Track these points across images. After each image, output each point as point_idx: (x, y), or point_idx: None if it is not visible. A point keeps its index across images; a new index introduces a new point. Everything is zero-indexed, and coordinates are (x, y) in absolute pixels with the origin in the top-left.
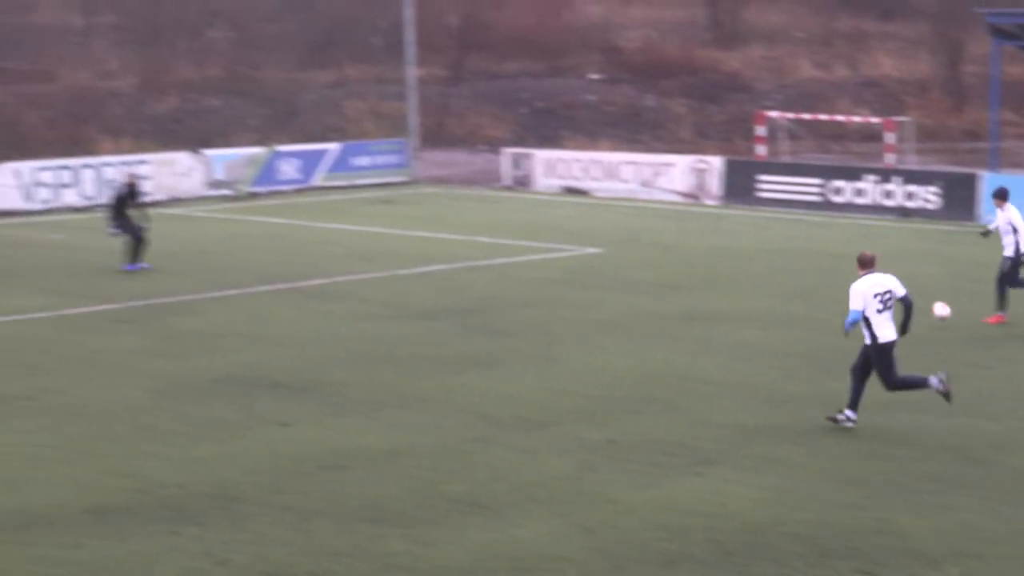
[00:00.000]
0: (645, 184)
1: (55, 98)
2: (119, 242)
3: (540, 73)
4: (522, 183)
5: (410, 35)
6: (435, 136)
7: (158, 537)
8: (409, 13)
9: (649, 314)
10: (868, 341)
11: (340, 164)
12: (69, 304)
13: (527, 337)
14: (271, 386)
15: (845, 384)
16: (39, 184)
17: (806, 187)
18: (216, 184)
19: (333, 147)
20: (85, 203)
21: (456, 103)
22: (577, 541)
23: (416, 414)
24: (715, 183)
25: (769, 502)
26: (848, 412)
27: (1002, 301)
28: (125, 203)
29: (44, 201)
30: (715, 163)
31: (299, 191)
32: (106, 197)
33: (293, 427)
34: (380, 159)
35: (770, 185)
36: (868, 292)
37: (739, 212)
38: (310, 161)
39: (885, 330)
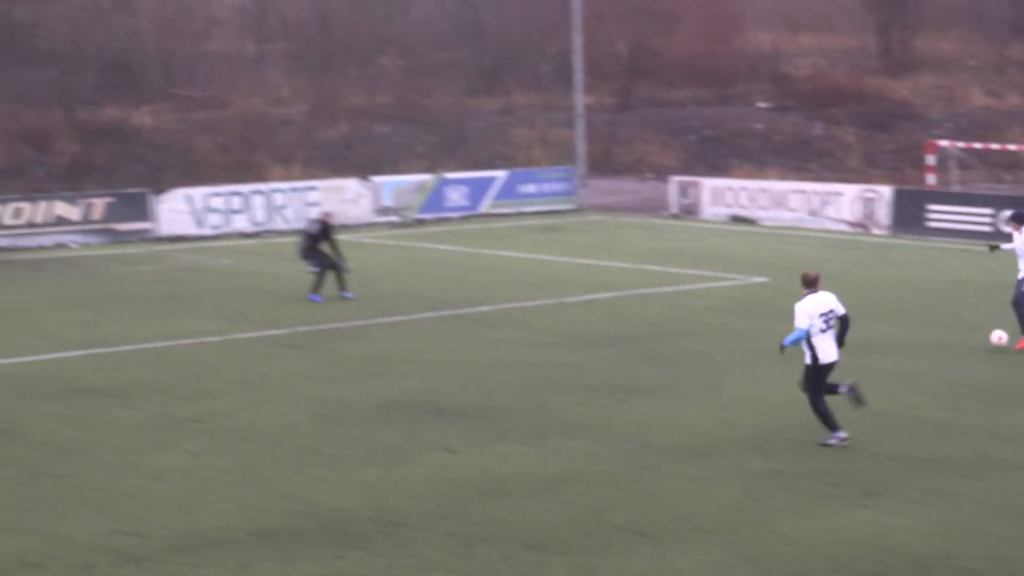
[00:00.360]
0: (813, 213)
1: (227, 124)
2: (295, 269)
3: (708, 101)
4: (689, 211)
5: (579, 62)
6: (602, 164)
7: (323, 561)
8: (578, 40)
9: None
10: (808, 361)
11: (507, 191)
12: (238, 329)
13: (692, 366)
14: (436, 412)
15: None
16: (210, 210)
17: (977, 217)
18: (384, 210)
19: (500, 174)
20: (254, 229)
21: (624, 130)
22: (740, 571)
23: (580, 441)
24: (884, 212)
25: (936, 535)
26: (836, 434)
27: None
28: (318, 240)
29: (214, 227)
30: (884, 192)
31: (466, 218)
32: (300, 236)
33: (457, 453)
34: (547, 186)
35: (940, 215)
36: (814, 312)
37: (908, 242)
38: (477, 188)
39: (826, 350)
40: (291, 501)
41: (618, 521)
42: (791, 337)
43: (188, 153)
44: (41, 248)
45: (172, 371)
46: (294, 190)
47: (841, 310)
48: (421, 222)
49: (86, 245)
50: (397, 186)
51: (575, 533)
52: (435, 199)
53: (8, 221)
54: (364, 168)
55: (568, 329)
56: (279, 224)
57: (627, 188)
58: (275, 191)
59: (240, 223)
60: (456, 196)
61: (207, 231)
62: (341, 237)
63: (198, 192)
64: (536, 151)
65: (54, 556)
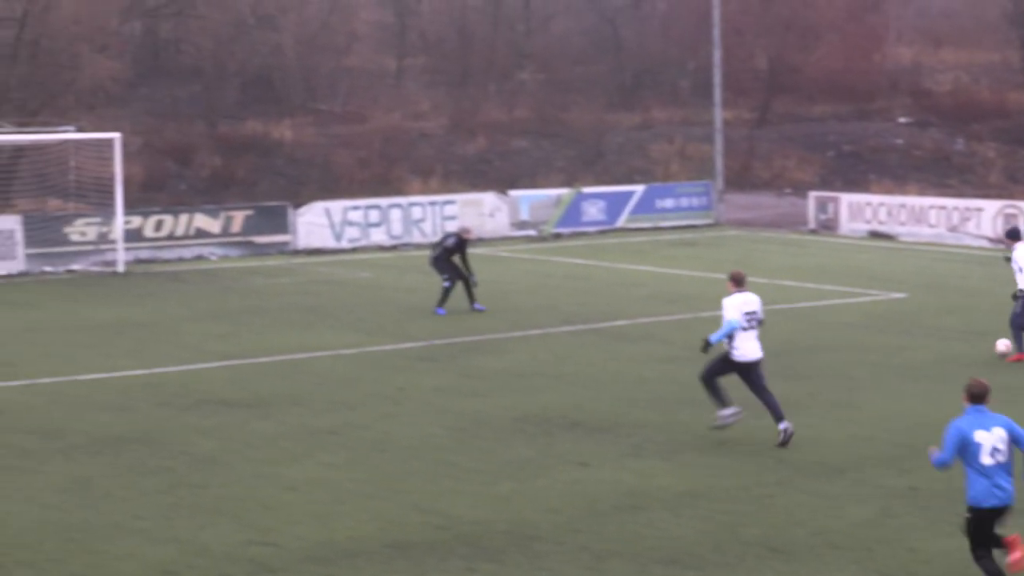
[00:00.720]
0: (952, 229)
1: (367, 139)
2: (432, 282)
3: (847, 116)
4: (827, 227)
5: (718, 77)
6: (740, 179)
7: (456, 573)
8: (717, 55)
9: (954, 361)
10: (728, 354)
11: (644, 206)
12: (374, 341)
13: (828, 381)
14: (571, 426)
15: None
16: (348, 223)
17: None
18: (521, 224)
19: (638, 189)
20: (392, 242)
21: (762, 145)
22: None
23: (714, 456)
24: None
25: None
26: (783, 424)
27: (1018, 341)
28: (452, 253)
29: (352, 240)
30: None
31: (603, 232)
32: (437, 249)
33: (591, 467)
34: (684, 201)
35: None
36: (740, 308)
37: None
38: (615, 203)
39: (743, 348)
40: (426, 513)
41: (752, 537)
42: (720, 332)
43: (328, 167)
44: (181, 260)
45: (309, 383)
46: (432, 204)
47: (762, 315)
48: (558, 236)
49: (225, 257)
50: (535, 200)
51: (709, 548)
52: (572, 213)
53: (150, 233)
54: (502, 182)
55: None
56: (417, 238)
57: (765, 203)
58: (413, 205)
59: (378, 236)
60: (593, 210)
61: (345, 244)
62: (478, 251)
63: (337, 205)
64: (674, 166)
65: (191, 565)
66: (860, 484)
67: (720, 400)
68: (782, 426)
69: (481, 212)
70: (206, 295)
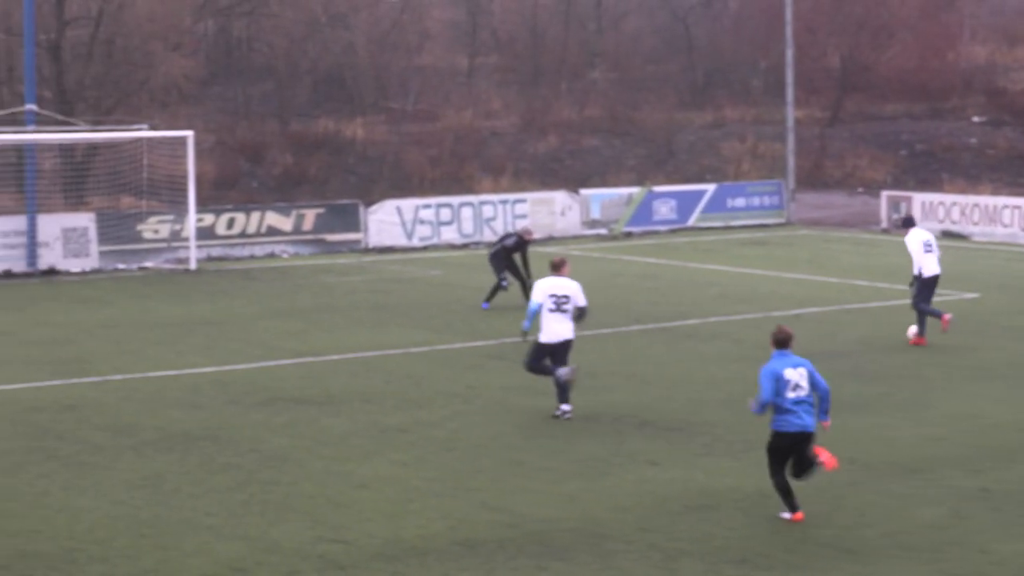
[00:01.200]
0: None
1: (438, 137)
2: (493, 280)
3: (921, 115)
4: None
5: (790, 76)
6: (812, 177)
7: (525, 572)
8: (790, 54)
9: None
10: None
11: (716, 205)
12: (444, 339)
13: (900, 382)
14: (640, 424)
15: None
16: (420, 221)
17: None
18: (592, 223)
19: (709, 188)
20: (463, 240)
21: (834, 144)
22: None
23: None
24: None
25: None
26: (563, 407)
27: (937, 314)
28: (512, 252)
29: (423, 238)
30: None
31: (674, 231)
32: (495, 246)
33: (661, 466)
34: (756, 200)
35: None
36: (547, 290)
37: None
38: (686, 201)
39: (550, 329)
40: (495, 511)
41: (823, 537)
42: (529, 311)
43: (399, 165)
44: (253, 258)
45: (379, 381)
46: (503, 202)
47: (581, 301)
48: (629, 235)
49: (297, 255)
50: (605, 199)
51: (780, 549)
52: (643, 212)
53: (222, 231)
54: (573, 181)
55: None
56: (488, 236)
57: (836, 202)
58: (484, 203)
59: (449, 235)
60: (664, 209)
61: (416, 242)
62: (548, 249)
63: (408, 204)
64: (745, 164)
65: (261, 562)
66: (932, 485)
67: (548, 373)
68: (563, 408)
69: (552, 211)
70: (277, 293)
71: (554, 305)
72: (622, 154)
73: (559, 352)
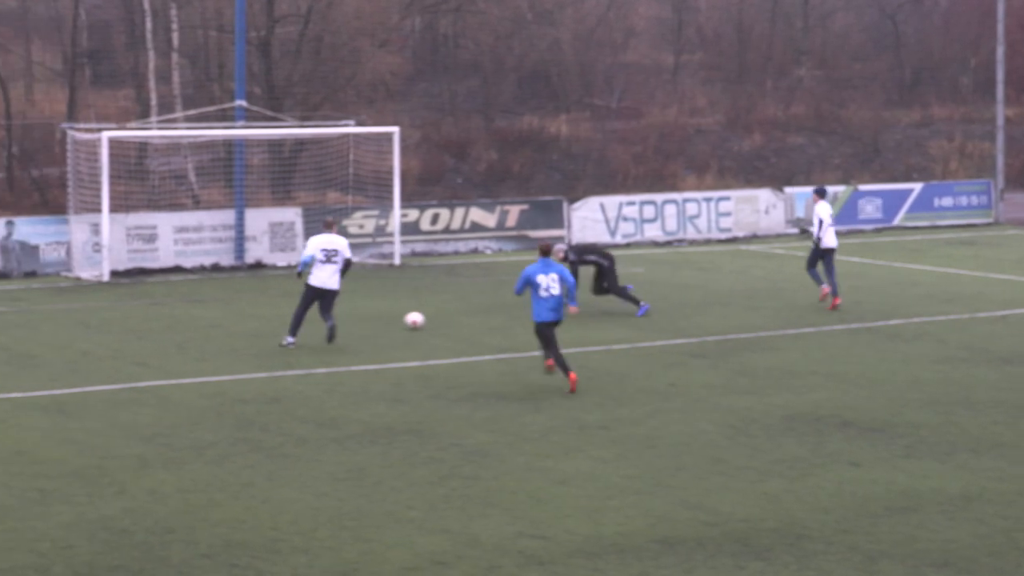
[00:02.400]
0: None
1: (643, 134)
2: (706, 278)
3: None
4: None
5: (1001, 74)
6: (1022, 177)
7: (724, 571)
8: (1001, 51)
9: None
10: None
11: (922, 204)
12: (646, 337)
13: None
14: (842, 425)
15: None
16: (623, 218)
17: None
18: (796, 222)
19: (916, 187)
20: (666, 238)
21: None
22: None
23: (991, 459)
24: None
25: None
26: (288, 338)
27: (818, 281)
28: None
29: (626, 235)
30: None
31: (879, 230)
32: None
33: (863, 467)
34: (963, 200)
35: None
36: (319, 245)
37: None
38: (892, 200)
39: (317, 275)
40: (694, 509)
41: None
42: (300, 263)
43: (603, 162)
44: (456, 254)
45: (581, 378)
46: (707, 200)
47: (347, 254)
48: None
49: (500, 251)
50: (810, 197)
51: (983, 553)
52: (848, 211)
53: (426, 227)
54: (777, 179)
55: (981, 345)
56: (691, 234)
57: None
58: (688, 201)
59: (652, 232)
60: (870, 208)
61: (619, 239)
62: (752, 247)
63: (611, 200)
64: (953, 163)
65: (461, 556)
66: None
67: (294, 329)
68: (329, 324)
69: (756, 209)
70: (481, 288)
71: (324, 257)
72: (827, 152)
73: (326, 298)
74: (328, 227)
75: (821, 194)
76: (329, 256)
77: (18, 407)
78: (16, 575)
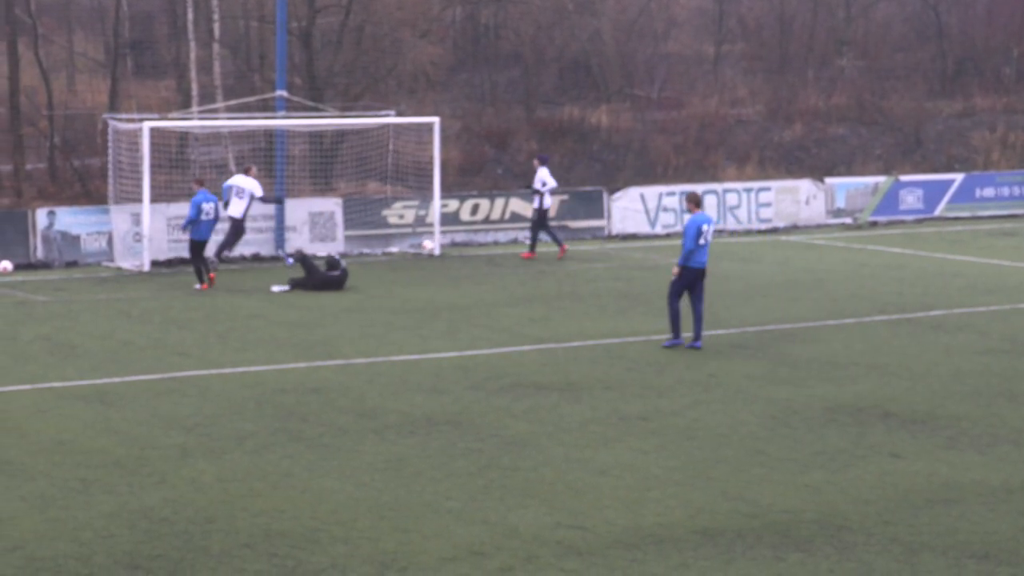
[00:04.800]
0: None
1: (683, 125)
2: (747, 270)
3: None
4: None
5: None
6: None
7: (764, 562)
8: None
9: None
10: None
11: (963, 195)
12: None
13: None
14: (883, 416)
15: None
16: (664, 209)
17: None
18: (837, 212)
19: (957, 177)
20: None
21: None
22: None
23: None
24: None
25: None
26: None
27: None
28: None
29: (666, 226)
30: None
31: (920, 221)
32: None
33: (904, 459)
34: (1005, 190)
35: None
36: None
37: None
38: (933, 191)
39: (235, 208)
40: (735, 501)
41: None
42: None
43: (644, 153)
44: (496, 244)
45: (621, 368)
46: (747, 190)
47: (259, 193)
48: (874, 224)
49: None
50: (851, 188)
51: None
52: (889, 201)
53: (466, 217)
54: (818, 169)
55: (1023, 336)
56: (731, 224)
57: None
58: (728, 191)
59: None
60: (911, 199)
61: (659, 230)
62: (792, 238)
63: (652, 191)
64: (995, 154)
65: (500, 546)
66: None
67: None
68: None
69: (796, 199)
70: (520, 279)
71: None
72: (869, 143)
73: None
74: (248, 171)
75: (543, 161)
76: (238, 193)
77: (59, 397)
78: (58, 564)
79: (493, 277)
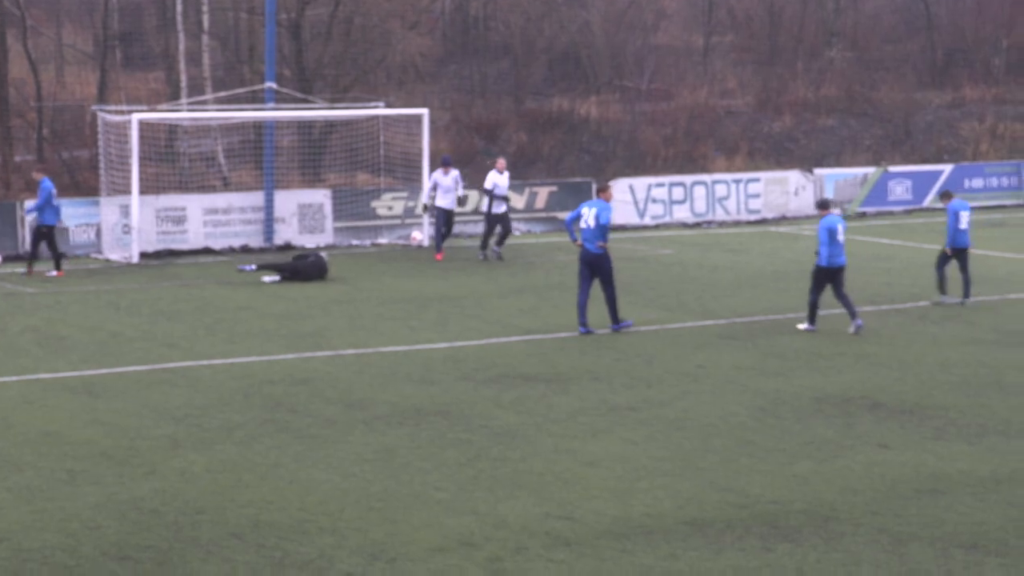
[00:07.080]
0: None
1: (672, 116)
2: (735, 260)
3: None
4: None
5: None
6: None
7: (752, 552)
8: None
9: None
10: None
11: (952, 185)
12: (676, 318)
13: None
14: (872, 407)
15: None
16: (652, 200)
17: None
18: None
19: (946, 168)
20: (695, 219)
21: None
22: None
23: (1021, 442)
24: None
25: None
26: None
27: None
28: None
29: (655, 216)
30: None
31: (909, 212)
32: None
33: (892, 449)
34: (994, 181)
35: None
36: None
37: None
38: (922, 182)
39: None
40: (723, 491)
41: None
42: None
43: (633, 144)
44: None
45: (609, 359)
46: (736, 181)
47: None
48: (862, 215)
49: (529, 233)
50: (840, 179)
51: (1013, 534)
52: (878, 192)
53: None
54: (807, 161)
55: (1011, 326)
56: (720, 215)
57: None
58: (717, 182)
59: (681, 214)
60: (900, 190)
61: (648, 221)
62: (782, 229)
63: (640, 182)
64: (984, 145)
65: (489, 536)
66: None
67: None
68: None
69: (786, 191)
70: (510, 270)
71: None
72: (858, 134)
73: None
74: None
75: (446, 164)
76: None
77: (47, 388)
78: (45, 555)
79: (482, 268)
